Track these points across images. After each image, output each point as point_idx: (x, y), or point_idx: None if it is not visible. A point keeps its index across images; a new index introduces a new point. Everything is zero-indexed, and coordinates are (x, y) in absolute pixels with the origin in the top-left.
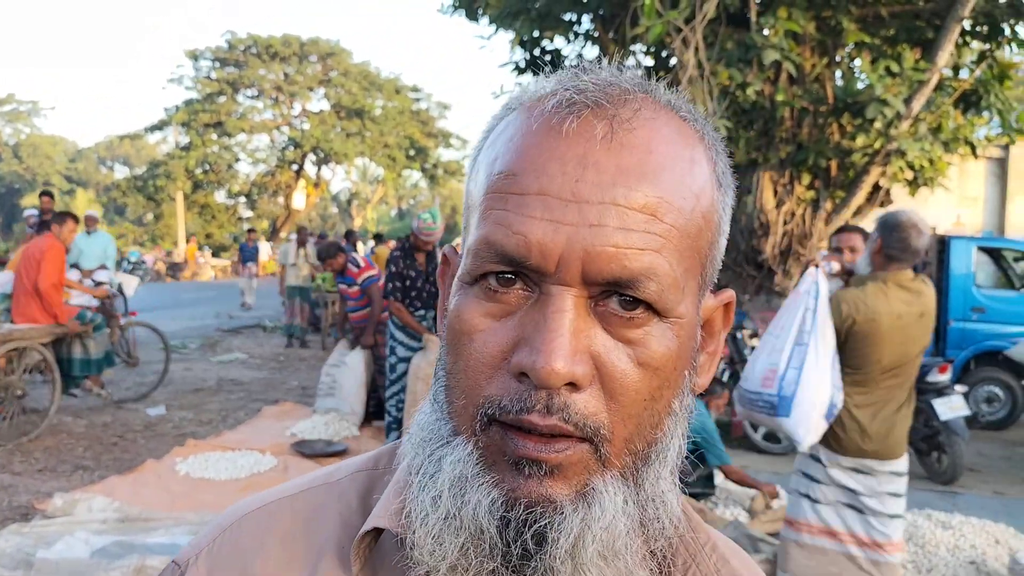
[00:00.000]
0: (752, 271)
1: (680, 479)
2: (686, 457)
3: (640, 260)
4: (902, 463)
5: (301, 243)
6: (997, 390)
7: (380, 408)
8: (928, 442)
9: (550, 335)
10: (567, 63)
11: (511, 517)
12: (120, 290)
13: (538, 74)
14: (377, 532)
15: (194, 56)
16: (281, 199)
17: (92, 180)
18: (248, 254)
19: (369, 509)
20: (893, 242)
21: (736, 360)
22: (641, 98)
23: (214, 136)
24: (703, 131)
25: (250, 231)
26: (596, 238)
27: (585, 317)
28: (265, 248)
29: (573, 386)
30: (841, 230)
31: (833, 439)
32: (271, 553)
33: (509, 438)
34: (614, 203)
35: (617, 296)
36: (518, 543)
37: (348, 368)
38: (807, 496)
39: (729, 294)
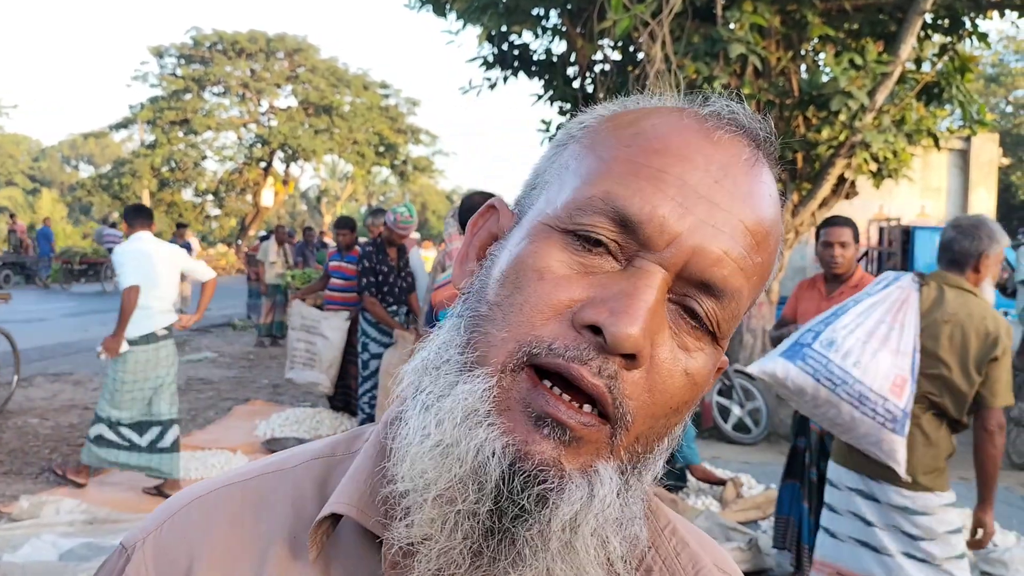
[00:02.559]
0: None
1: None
2: None
3: (737, 278)
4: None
5: (280, 241)
6: None
7: (346, 396)
8: None
9: (638, 303)
10: (535, 58)
11: (520, 469)
12: None
13: (506, 70)
14: (334, 520)
15: (159, 53)
16: (249, 197)
17: (56, 179)
18: None
19: (325, 497)
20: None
21: None
22: (771, 147)
23: (180, 134)
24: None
25: (179, 226)
26: (714, 239)
27: (662, 304)
28: (196, 245)
29: (631, 361)
30: (830, 223)
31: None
32: (219, 537)
33: (539, 391)
34: (739, 217)
35: (684, 305)
36: (520, 498)
37: (328, 341)
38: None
39: (725, 360)
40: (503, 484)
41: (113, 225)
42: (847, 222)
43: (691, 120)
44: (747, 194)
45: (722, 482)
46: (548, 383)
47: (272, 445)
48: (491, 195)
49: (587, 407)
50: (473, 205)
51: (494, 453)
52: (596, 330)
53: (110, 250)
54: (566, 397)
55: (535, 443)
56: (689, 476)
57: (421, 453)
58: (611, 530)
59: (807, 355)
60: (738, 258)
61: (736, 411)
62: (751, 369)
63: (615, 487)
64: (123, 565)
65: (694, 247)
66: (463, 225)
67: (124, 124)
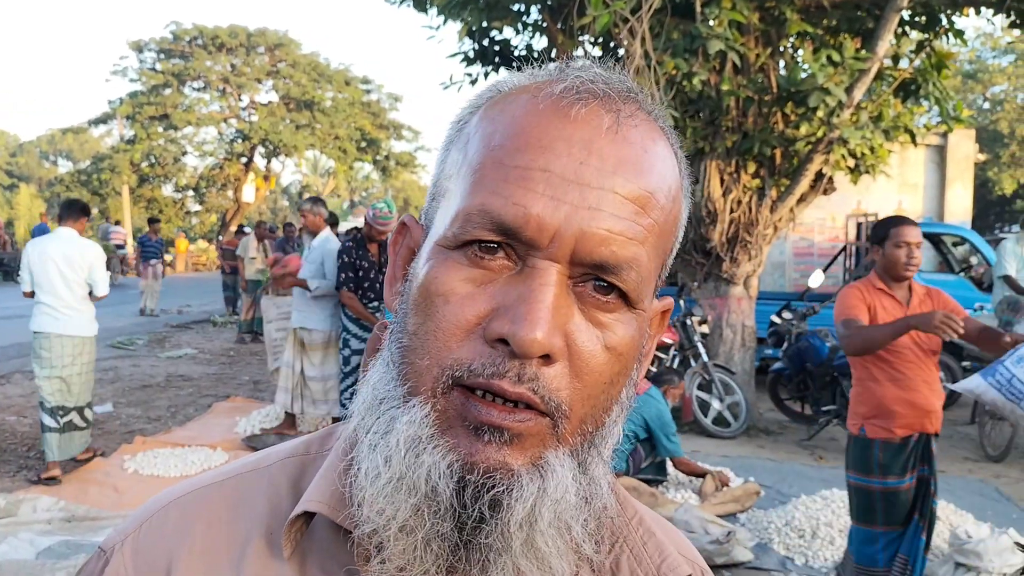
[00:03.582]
0: (700, 258)
1: (635, 465)
2: (641, 442)
3: (628, 249)
4: None
5: (260, 237)
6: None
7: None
8: None
9: (536, 306)
10: (515, 53)
11: (468, 481)
12: None
13: (487, 65)
14: (308, 517)
15: (138, 47)
16: (230, 192)
17: (34, 175)
18: (151, 250)
19: (299, 494)
20: None
21: (687, 347)
22: (637, 99)
23: (160, 129)
24: (674, 143)
25: (152, 222)
26: (592, 220)
27: (565, 295)
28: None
29: (545, 359)
30: (899, 223)
31: None
32: (198, 538)
33: (471, 404)
34: (613, 190)
35: (595, 280)
36: (475, 507)
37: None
38: None
39: (668, 302)
40: (457, 500)
41: (118, 223)
42: (913, 221)
43: (546, 103)
44: (616, 163)
45: (706, 474)
46: (480, 392)
47: (252, 442)
48: None
49: (521, 404)
50: None
51: (441, 475)
52: (505, 341)
53: (119, 247)
54: (499, 401)
55: (478, 452)
56: (670, 469)
57: (375, 493)
58: (572, 516)
59: (997, 370)
60: (624, 230)
61: (716, 405)
62: (956, 387)
63: (569, 471)
64: (102, 567)
65: (576, 235)
66: None
67: (103, 119)
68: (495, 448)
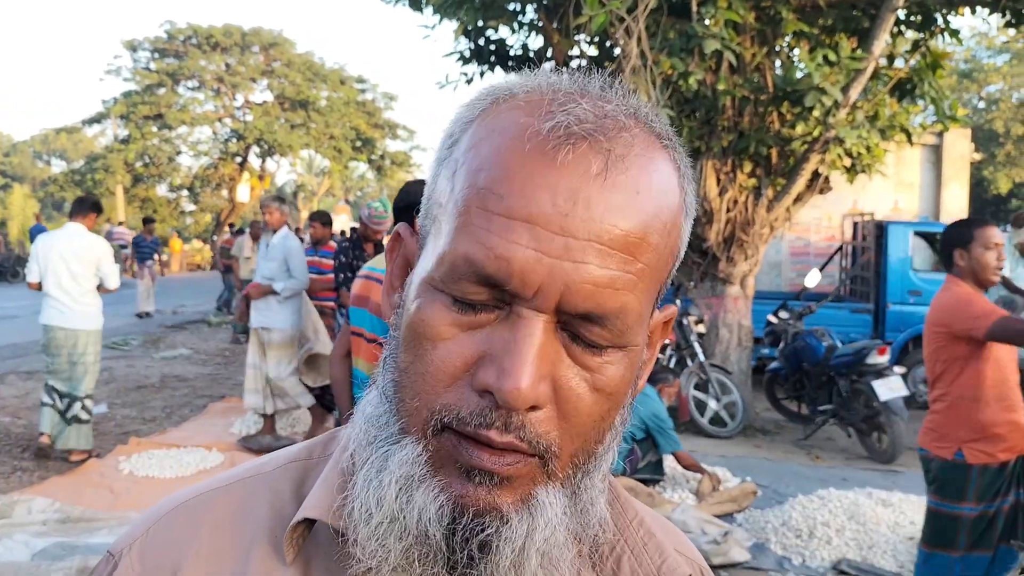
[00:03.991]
0: (697, 258)
1: (632, 466)
2: (638, 442)
3: (615, 300)
4: None
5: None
6: None
7: (322, 391)
8: (868, 423)
9: (520, 359)
10: (511, 53)
11: (458, 525)
12: None
13: (483, 64)
14: (310, 522)
15: (132, 47)
16: (225, 192)
17: (28, 175)
18: (146, 251)
19: (302, 499)
20: None
21: (683, 346)
22: (633, 130)
23: (154, 128)
24: (679, 158)
25: (147, 222)
26: (577, 274)
27: (552, 341)
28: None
29: (532, 407)
30: (981, 223)
31: None
32: (204, 542)
33: (463, 447)
34: (599, 241)
35: (579, 330)
36: (464, 551)
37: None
38: None
39: (672, 311)
40: (447, 543)
41: (121, 223)
42: (991, 220)
43: (533, 144)
44: (605, 211)
45: (704, 471)
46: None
47: (248, 442)
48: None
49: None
50: (411, 199)
51: (432, 518)
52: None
53: (123, 246)
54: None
55: (469, 495)
56: (667, 467)
57: (368, 534)
58: (560, 552)
59: None
60: (611, 280)
61: (712, 405)
62: None
63: (560, 507)
64: (111, 571)
65: (561, 289)
66: (397, 219)
67: (97, 119)
68: (485, 491)
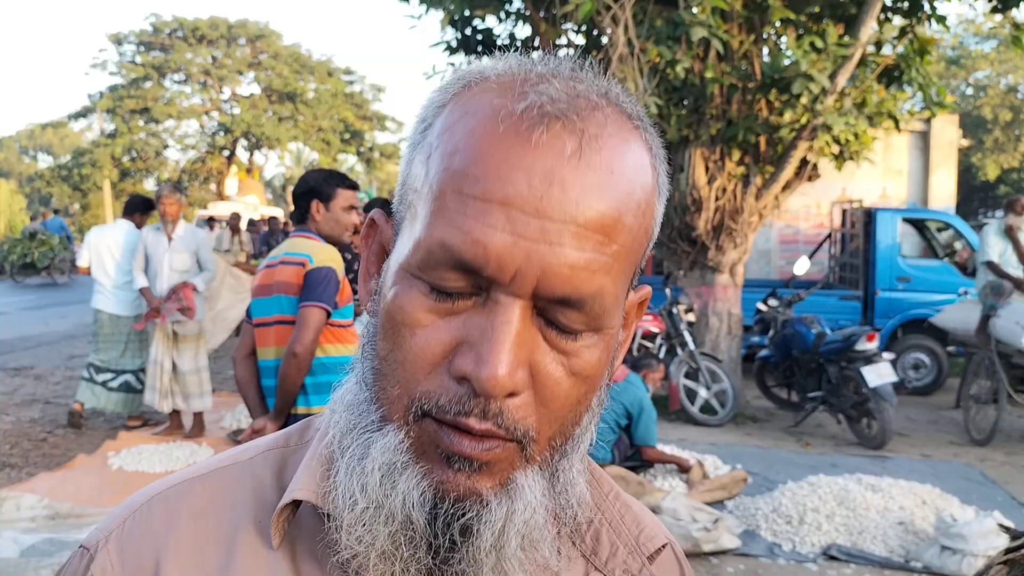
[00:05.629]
0: (686, 247)
1: (621, 454)
2: (624, 430)
3: (592, 282)
4: None
5: (234, 229)
6: (923, 357)
7: None
8: (858, 409)
9: (497, 346)
10: (498, 42)
11: (440, 510)
12: None
13: (470, 54)
14: (295, 506)
15: (117, 40)
16: (213, 186)
17: (14, 170)
18: None
19: (284, 485)
20: None
21: (673, 335)
22: (606, 110)
23: (141, 122)
24: (651, 138)
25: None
26: (554, 256)
27: (528, 327)
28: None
29: (510, 394)
30: None
31: None
32: (184, 531)
33: (443, 433)
34: (574, 222)
35: (555, 316)
36: (446, 535)
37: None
38: None
39: (646, 291)
40: (430, 528)
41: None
42: None
43: (507, 126)
44: (580, 192)
45: (675, 462)
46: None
47: (237, 436)
48: (329, 172)
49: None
50: (311, 184)
51: (415, 503)
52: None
53: None
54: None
55: (449, 480)
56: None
57: (353, 521)
58: (540, 534)
59: None
60: (588, 263)
61: (703, 393)
62: None
63: (539, 489)
64: (86, 565)
65: (538, 273)
66: (296, 205)
67: (83, 113)
68: (465, 476)
